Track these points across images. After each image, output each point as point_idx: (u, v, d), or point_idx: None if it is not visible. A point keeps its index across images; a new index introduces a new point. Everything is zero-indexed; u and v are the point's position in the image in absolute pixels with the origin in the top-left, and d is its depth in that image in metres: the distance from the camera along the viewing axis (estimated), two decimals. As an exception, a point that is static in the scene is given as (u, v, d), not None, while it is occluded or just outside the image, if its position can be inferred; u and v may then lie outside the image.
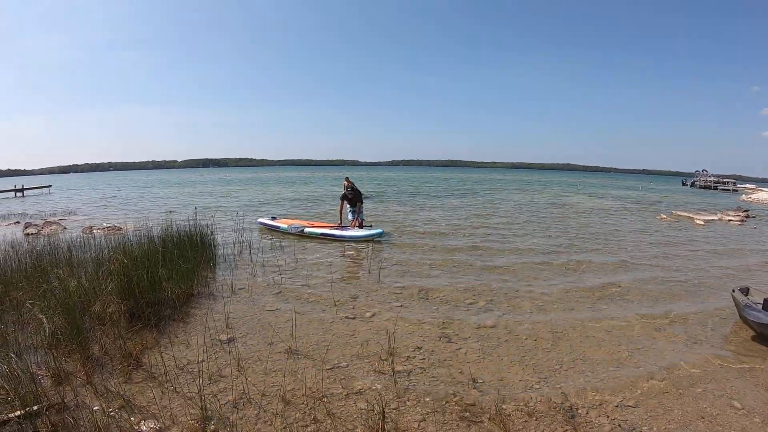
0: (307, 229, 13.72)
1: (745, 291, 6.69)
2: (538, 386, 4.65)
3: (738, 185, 75.02)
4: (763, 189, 61.29)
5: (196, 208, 18.84)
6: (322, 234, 13.39)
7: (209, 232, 10.49)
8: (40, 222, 17.95)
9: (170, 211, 19.33)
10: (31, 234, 14.98)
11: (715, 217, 22.54)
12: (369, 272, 9.23)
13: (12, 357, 4.44)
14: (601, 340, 5.97)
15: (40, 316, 5.43)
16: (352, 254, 11.31)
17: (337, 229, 13.55)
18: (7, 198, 40.83)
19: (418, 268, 9.65)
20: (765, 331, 5.97)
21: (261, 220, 15.61)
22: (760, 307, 6.22)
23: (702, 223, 20.30)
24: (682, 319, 6.87)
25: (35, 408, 3.86)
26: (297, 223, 14.55)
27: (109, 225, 16.02)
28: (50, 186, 55.07)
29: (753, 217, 23.77)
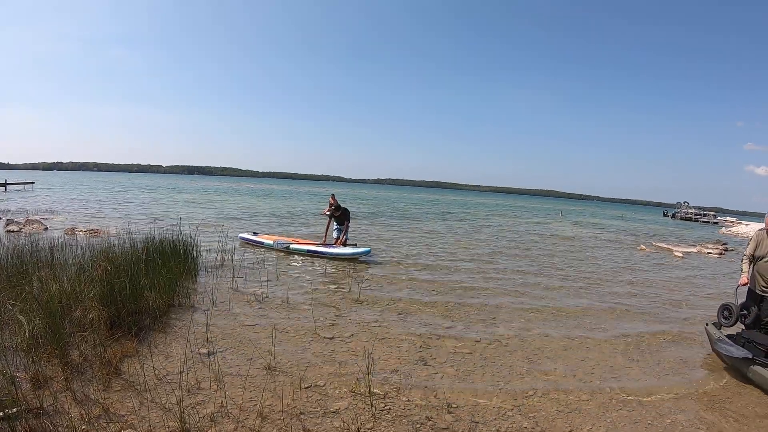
0: (292, 246, 13.69)
1: (725, 315, 6.80)
2: (511, 413, 4.74)
3: (718, 218, 76.34)
4: (743, 222, 62.22)
5: (180, 218, 18.76)
6: (308, 251, 13.40)
7: (192, 242, 10.49)
8: (22, 219, 17.81)
9: (154, 220, 19.25)
10: (13, 231, 14.88)
11: (693, 250, 22.91)
12: (349, 291, 9.29)
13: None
14: (575, 367, 6.11)
15: (21, 317, 5.44)
16: (334, 273, 11.35)
17: (322, 246, 13.57)
18: (-11, 192, 40.48)
19: (399, 290, 9.75)
20: (737, 364, 6.16)
21: (242, 235, 15.45)
22: (732, 340, 6.38)
23: (681, 255, 20.62)
24: (657, 351, 7.07)
25: (14, 411, 3.88)
26: (282, 239, 14.51)
27: (91, 228, 15.95)
28: (33, 183, 54.74)
29: (732, 250, 24.16)
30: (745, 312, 6.53)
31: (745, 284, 6.65)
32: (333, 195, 15.30)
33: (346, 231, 14.08)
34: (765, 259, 6.52)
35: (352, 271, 11.43)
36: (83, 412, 4.11)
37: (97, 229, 15.68)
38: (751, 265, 6.74)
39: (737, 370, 6.19)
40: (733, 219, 79.05)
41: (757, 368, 5.83)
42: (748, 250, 6.77)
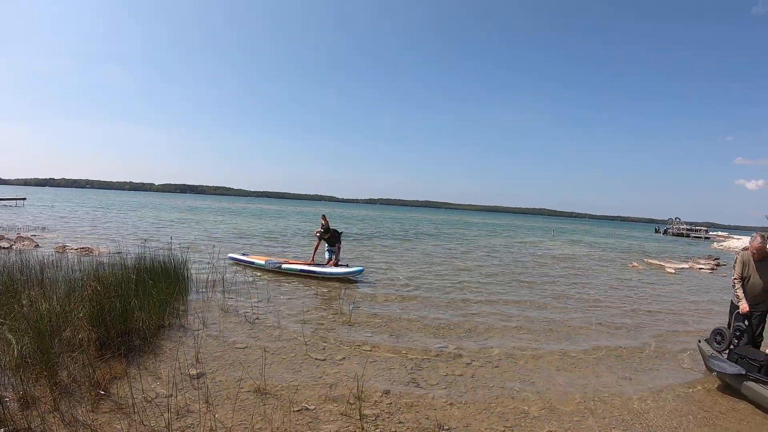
0: (284, 266, 13.65)
1: (717, 340, 6.80)
2: (503, 436, 4.72)
3: (710, 233, 76.86)
4: (735, 237, 62.60)
5: (171, 238, 18.71)
6: (300, 270, 13.36)
7: (183, 262, 10.47)
8: (13, 236, 17.74)
9: (145, 240, 19.19)
10: (3, 248, 14.80)
11: (685, 265, 23.04)
12: (341, 313, 9.27)
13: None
14: (567, 388, 6.10)
15: (9, 336, 5.40)
16: (326, 293, 11.34)
17: (314, 266, 13.54)
18: (-20, 208, 40.34)
19: (390, 311, 9.74)
20: (730, 380, 6.20)
21: (232, 255, 15.38)
22: (725, 357, 6.40)
23: (673, 271, 20.74)
24: (650, 369, 7.10)
25: (1, 431, 3.84)
26: (274, 259, 14.47)
27: (82, 246, 15.89)
28: (25, 198, 54.59)
29: (723, 265, 24.27)
30: (738, 333, 6.55)
31: (746, 311, 6.66)
32: (324, 216, 15.29)
33: (338, 252, 14.06)
34: (752, 280, 6.59)
35: (343, 292, 11.43)
36: (71, 433, 4.07)
37: (88, 248, 15.62)
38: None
39: (730, 386, 6.23)
40: (725, 234, 79.63)
41: (751, 384, 5.87)
42: (737, 273, 6.80)
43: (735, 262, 6.92)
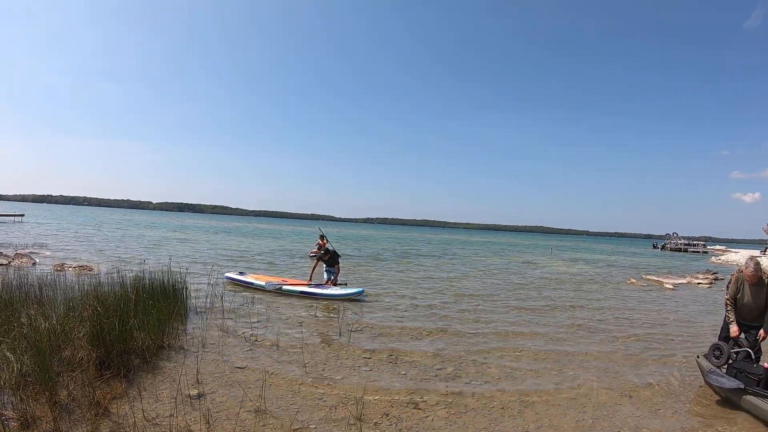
0: (284, 287, 13.60)
1: (716, 355, 6.82)
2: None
3: (708, 247, 76.91)
4: (732, 250, 62.63)
5: (170, 258, 18.70)
6: (301, 292, 13.30)
7: (182, 282, 10.44)
8: (11, 253, 17.74)
9: (144, 260, 19.16)
10: (1, 265, 14.82)
11: (684, 281, 23.07)
12: (340, 334, 9.25)
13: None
14: (566, 407, 6.09)
15: (9, 354, 5.41)
16: (324, 314, 11.34)
17: (315, 287, 13.52)
18: (-22, 224, 40.37)
19: (389, 331, 9.72)
20: (729, 395, 6.21)
21: (228, 275, 15.24)
22: (724, 371, 6.41)
23: (671, 286, 20.74)
24: (647, 384, 7.09)
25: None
26: (273, 280, 14.42)
27: (81, 264, 15.89)
28: (23, 215, 54.61)
29: (721, 279, 24.27)
30: (736, 349, 6.57)
31: (737, 334, 6.72)
32: (322, 236, 15.29)
33: (338, 273, 14.06)
34: (746, 301, 6.70)
35: (343, 313, 11.39)
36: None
37: (87, 266, 15.63)
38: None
39: (730, 400, 6.23)
40: (723, 247, 79.66)
41: (750, 398, 5.89)
42: (730, 293, 6.91)
43: (729, 282, 7.03)
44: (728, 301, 6.93)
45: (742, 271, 6.80)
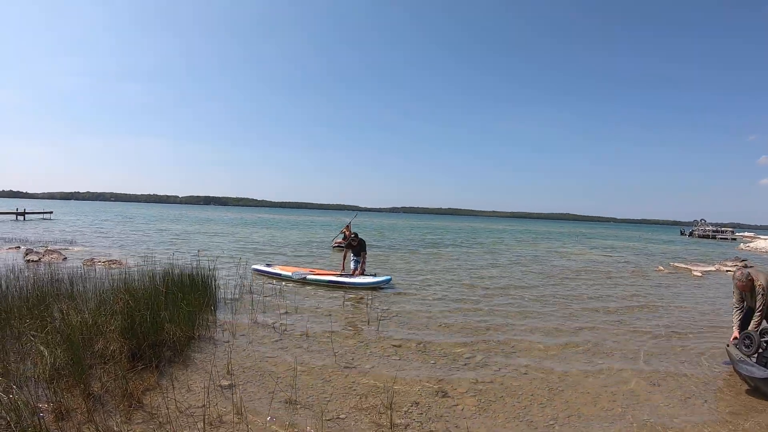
0: (309, 276, 13.65)
1: (746, 344, 6.72)
2: (532, 444, 4.69)
3: (736, 234, 75.63)
4: (762, 237, 61.58)
5: (198, 250, 18.87)
6: (328, 281, 13.33)
7: (211, 274, 10.54)
8: (41, 249, 18.05)
9: (173, 252, 19.29)
10: (32, 261, 15.08)
11: (712, 268, 22.64)
12: (369, 323, 9.25)
13: (13, 388, 4.49)
14: (596, 395, 6.00)
15: (42, 348, 5.49)
16: (353, 303, 11.34)
17: (341, 276, 13.55)
18: (8, 221, 41.10)
19: (418, 320, 9.69)
20: (759, 384, 6.07)
21: (255, 266, 15.38)
22: (754, 361, 6.30)
23: (699, 274, 20.37)
24: (678, 374, 6.95)
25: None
26: (300, 270, 14.47)
27: (110, 259, 16.09)
28: (52, 212, 55.55)
29: (751, 266, 23.80)
30: (767, 338, 6.48)
31: (735, 339, 6.85)
32: (348, 225, 15.26)
33: (364, 261, 14.04)
34: (749, 305, 6.95)
35: (371, 301, 11.39)
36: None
37: (116, 260, 15.83)
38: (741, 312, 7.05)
39: (759, 390, 6.11)
40: (751, 234, 78.18)
41: None
42: (735, 298, 7.16)
43: (734, 288, 7.13)
44: (734, 305, 7.18)
45: (743, 281, 6.86)
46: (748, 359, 6.38)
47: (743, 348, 6.60)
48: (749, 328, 6.65)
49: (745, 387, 6.34)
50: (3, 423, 4.08)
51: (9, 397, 4.25)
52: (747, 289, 6.81)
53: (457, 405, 5.54)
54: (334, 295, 12.23)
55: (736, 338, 6.78)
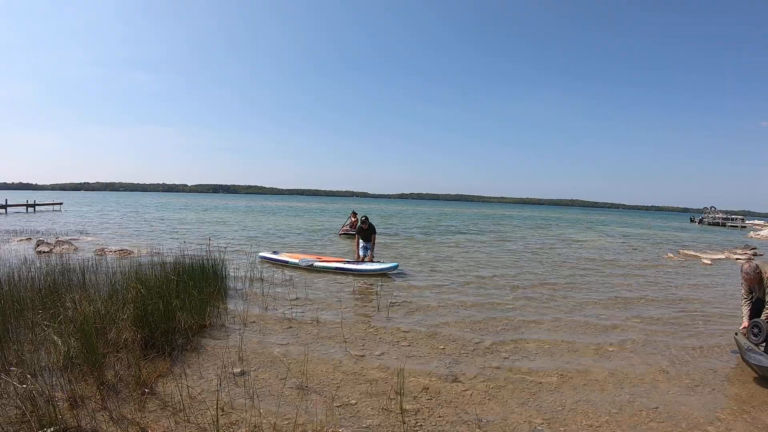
0: (317, 263, 13.69)
1: (755, 333, 6.72)
2: (540, 427, 4.71)
3: (747, 221, 74.83)
4: (772, 225, 60.98)
5: (210, 239, 18.95)
6: (336, 268, 13.38)
7: (221, 262, 10.61)
8: (52, 240, 18.15)
9: (184, 241, 19.38)
10: (43, 252, 15.18)
11: (722, 256, 22.56)
12: (378, 309, 9.30)
13: (28, 377, 4.55)
14: (604, 382, 6.01)
15: (55, 338, 5.56)
16: (362, 290, 11.39)
17: (349, 263, 13.59)
18: (19, 213, 41.40)
19: (427, 307, 9.72)
20: (767, 373, 6.07)
21: (262, 254, 15.42)
22: (762, 350, 6.30)
23: (709, 261, 20.29)
24: (685, 362, 6.93)
25: (52, 429, 3.94)
26: (307, 257, 14.52)
27: (121, 249, 16.18)
28: (62, 203, 55.86)
29: (761, 255, 23.66)
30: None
31: (744, 329, 6.85)
32: (354, 212, 15.28)
33: (373, 247, 14.06)
34: (759, 296, 6.90)
35: (379, 288, 11.43)
36: (120, 431, 4.18)
37: (127, 250, 15.92)
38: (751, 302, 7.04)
39: (767, 378, 6.11)
40: (762, 222, 77.54)
41: None
42: (744, 290, 7.19)
43: (742, 281, 7.12)
44: (743, 297, 7.21)
45: (750, 274, 6.89)
46: (756, 348, 6.37)
47: (752, 337, 6.59)
48: (760, 318, 6.66)
49: (753, 376, 6.33)
50: (19, 412, 4.15)
51: (24, 387, 4.30)
52: (755, 282, 6.81)
53: (467, 391, 5.57)
54: (343, 281, 12.28)
55: (746, 328, 6.78)
